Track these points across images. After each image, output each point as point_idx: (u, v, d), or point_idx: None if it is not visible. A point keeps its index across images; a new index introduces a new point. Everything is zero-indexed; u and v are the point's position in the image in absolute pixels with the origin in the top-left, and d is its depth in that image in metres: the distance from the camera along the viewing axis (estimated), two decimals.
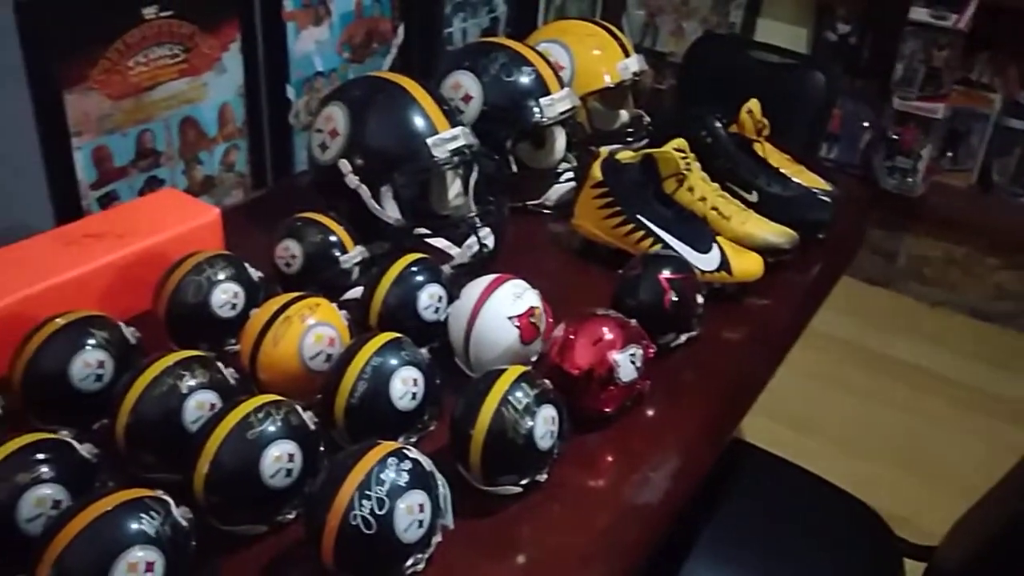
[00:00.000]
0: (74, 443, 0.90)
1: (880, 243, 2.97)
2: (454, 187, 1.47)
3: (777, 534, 1.41)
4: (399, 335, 1.06)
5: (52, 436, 0.89)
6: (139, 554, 0.79)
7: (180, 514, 0.84)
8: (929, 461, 2.36)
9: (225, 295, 1.16)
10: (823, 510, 1.49)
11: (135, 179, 1.69)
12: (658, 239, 1.39)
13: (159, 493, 0.84)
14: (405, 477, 0.86)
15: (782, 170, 1.55)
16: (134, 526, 0.79)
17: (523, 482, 1.01)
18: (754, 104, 1.55)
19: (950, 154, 2.88)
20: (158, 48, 1.64)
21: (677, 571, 1.31)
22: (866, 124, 2.91)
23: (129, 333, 1.07)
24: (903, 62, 2.73)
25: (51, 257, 1.20)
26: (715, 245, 1.37)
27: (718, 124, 1.54)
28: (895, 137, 2.83)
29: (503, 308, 1.13)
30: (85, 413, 1.02)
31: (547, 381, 1.03)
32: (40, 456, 0.87)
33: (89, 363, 1.02)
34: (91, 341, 1.03)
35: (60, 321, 1.03)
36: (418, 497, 0.87)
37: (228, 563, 0.91)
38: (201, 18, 1.69)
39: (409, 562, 0.88)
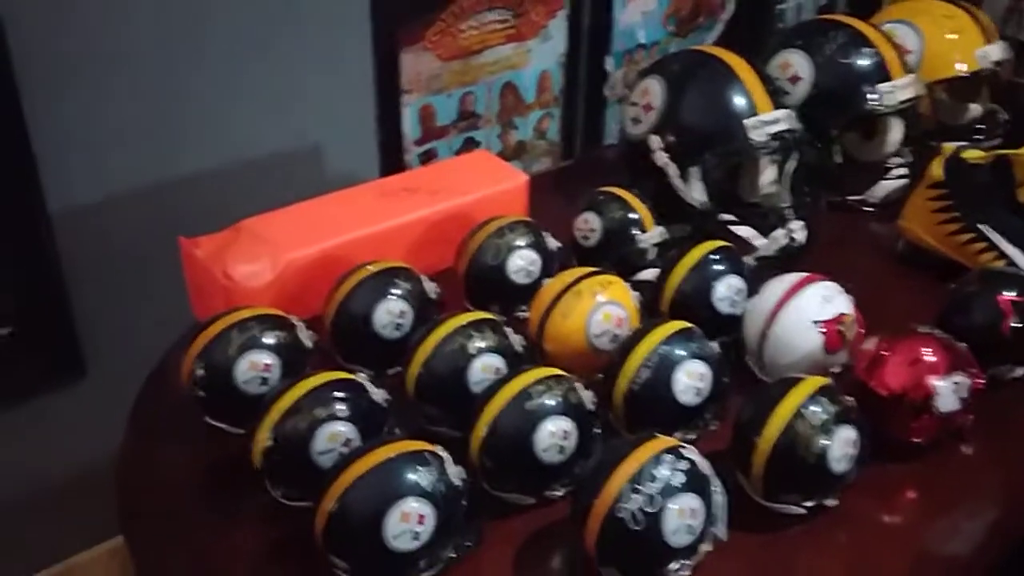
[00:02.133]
0: (369, 386, 0.95)
1: None
2: (768, 173, 1.37)
3: None
4: (690, 325, 1.01)
5: (350, 377, 0.94)
6: (413, 505, 0.81)
7: (455, 473, 0.85)
8: None
9: (522, 261, 1.16)
10: None
11: (454, 139, 1.76)
12: (1002, 254, 1.22)
13: (438, 449, 0.86)
14: (680, 477, 0.81)
15: None
16: (412, 477, 0.82)
17: (808, 504, 0.92)
18: None
19: None
20: (490, 13, 1.69)
21: None
22: None
23: (430, 288, 1.11)
24: None
25: (370, 207, 1.27)
26: None
27: None
28: None
29: (809, 310, 1.04)
30: (382, 358, 1.07)
31: (851, 398, 0.93)
32: (338, 394, 0.92)
33: (391, 312, 1.06)
34: (396, 291, 1.07)
35: (371, 268, 1.09)
36: (691, 501, 0.81)
37: (493, 528, 0.91)
38: None
39: (673, 566, 0.83)
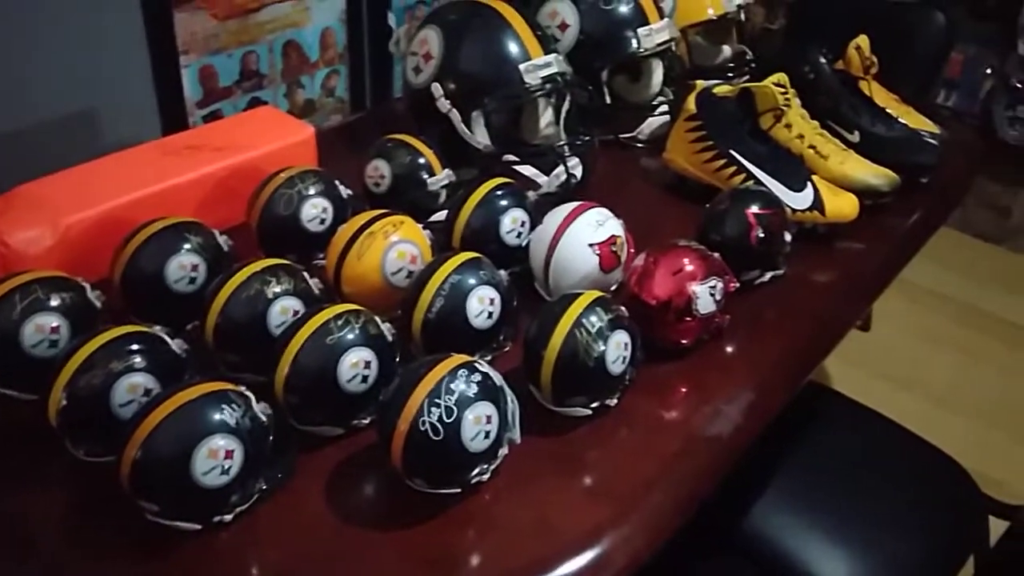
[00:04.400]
0: (166, 338, 0.95)
1: (995, 198, 2.82)
2: (545, 116, 1.46)
3: (854, 482, 1.38)
4: (479, 255, 1.08)
5: (146, 330, 0.94)
6: (220, 442, 0.83)
7: (260, 409, 0.88)
8: None
9: (315, 209, 1.19)
10: (905, 461, 1.45)
11: (239, 99, 1.74)
12: (750, 175, 1.35)
13: (241, 388, 0.88)
14: (474, 388, 0.88)
15: (888, 110, 1.48)
16: (216, 416, 0.84)
17: (593, 405, 1.01)
18: (863, 40, 1.49)
19: None
20: None
21: (746, 511, 1.31)
22: (988, 71, 2.75)
23: (222, 240, 1.11)
24: None
25: (152, 166, 1.25)
26: (809, 184, 1.33)
27: (822, 59, 1.48)
28: (1019, 85, 2.66)
29: (584, 235, 1.13)
30: (179, 313, 1.06)
31: (622, 308, 1.03)
32: (134, 347, 0.91)
33: (184, 265, 1.06)
34: (186, 245, 1.07)
35: (158, 225, 1.08)
36: (486, 409, 0.88)
37: (304, 461, 0.95)
38: None
39: (475, 471, 0.90)
